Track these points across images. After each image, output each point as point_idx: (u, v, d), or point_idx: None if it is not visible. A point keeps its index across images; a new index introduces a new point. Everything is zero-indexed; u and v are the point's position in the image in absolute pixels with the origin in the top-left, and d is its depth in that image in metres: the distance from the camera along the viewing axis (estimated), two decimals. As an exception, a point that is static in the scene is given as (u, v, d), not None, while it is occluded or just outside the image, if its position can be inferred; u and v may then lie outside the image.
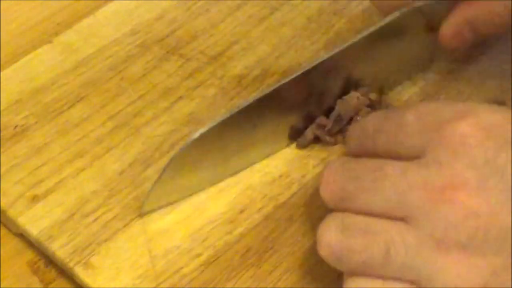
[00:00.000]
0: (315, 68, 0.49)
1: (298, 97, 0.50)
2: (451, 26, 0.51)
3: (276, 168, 0.51)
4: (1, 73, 0.55)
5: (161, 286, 0.46)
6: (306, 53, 0.56)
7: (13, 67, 0.55)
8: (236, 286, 0.46)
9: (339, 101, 0.51)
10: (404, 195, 0.40)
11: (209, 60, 0.56)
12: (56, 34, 0.57)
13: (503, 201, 0.39)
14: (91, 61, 0.56)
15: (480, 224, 0.39)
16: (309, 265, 0.47)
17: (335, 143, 0.51)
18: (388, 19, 0.50)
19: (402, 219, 0.40)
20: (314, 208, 0.49)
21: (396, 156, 0.42)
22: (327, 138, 0.51)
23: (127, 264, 0.46)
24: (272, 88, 0.49)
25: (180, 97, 0.54)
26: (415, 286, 0.40)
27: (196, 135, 0.47)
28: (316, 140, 0.51)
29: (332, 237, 0.41)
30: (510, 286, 0.39)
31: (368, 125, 0.44)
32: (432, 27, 0.51)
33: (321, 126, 0.51)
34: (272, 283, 0.46)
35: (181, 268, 0.46)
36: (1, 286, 0.47)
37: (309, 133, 0.51)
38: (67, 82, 0.55)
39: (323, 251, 0.42)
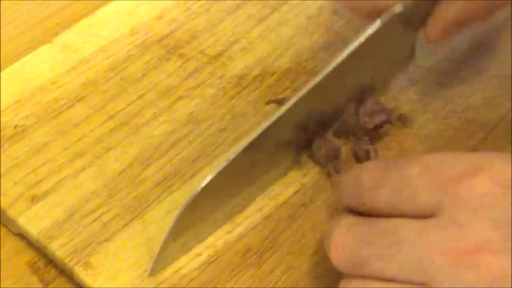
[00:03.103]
0: (315, 88, 0.48)
1: (299, 121, 0.49)
2: (437, 27, 0.50)
3: (276, 168, 0.51)
4: (1, 73, 0.55)
5: (161, 286, 0.46)
6: (306, 53, 0.56)
7: (13, 67, 0.55)
8: (236, 286, 0.46)
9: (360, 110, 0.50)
10: (424, 260, 0.38)
11: (209, 60, 0.56)
12: (56, 34, 0.57)
13: None
14: (91, 61, 0.56)
15: (507, 285, 0.37)
16: (309, 265, 0.47)
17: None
18: (374, 27, 0.49)
19: (423, 283, 0.38)
20: (314, 208, 0.49)
21: (401, 214, 0.40)
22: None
23: (127, 264, 0.46)
24: (272, 120, 0.47)
25: (180, 97, 0.54)
26: None
27: (197, 190, 0.45)
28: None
29: None
30: None
31: (364, 178, 0.41)
32: (412, 24, 0.51)
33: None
34: (272, 283, 0.46)
35: (181, 268, 0.46)
36: (1, 286, 0.47)
37: (321, 148, 0.50)
38: (67, 82, 0.55)
39: None
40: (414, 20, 0.50)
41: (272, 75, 0.55)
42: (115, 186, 0.49)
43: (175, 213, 0.47)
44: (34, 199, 0.49)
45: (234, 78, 0.55)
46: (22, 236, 0.49)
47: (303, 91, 0.47)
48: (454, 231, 0.38)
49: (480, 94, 0.54)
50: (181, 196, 0.49)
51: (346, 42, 0.50)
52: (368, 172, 0.41)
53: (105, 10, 0.59)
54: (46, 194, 0.49)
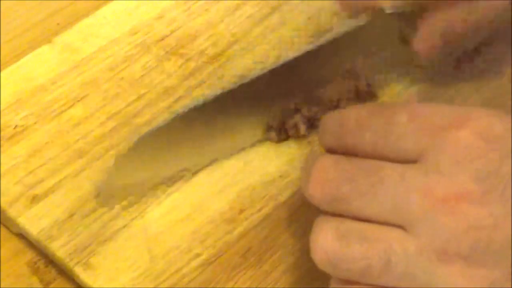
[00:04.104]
0: (296, 60, 0.49)
1: (278, 89, 0.50)
2: (423, 41, 0.50)
3: (276, 168, 0.51)
4: (1, 73, 0.55)
5: (161, 286, 0.46)
6: (306, 53, 0.56)
7: (13, 67, 0.55)
8: (236, 286, 0.46)
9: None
10: (404, 201, 0.39)
11: (209, 60, 0.56)
12: (56, 34, 0.57)
13: (505, 214, 0.38)
14: (91, 61, 0.56)
15: (482, 236, 0.38)
16: (309, 265, 0.46)
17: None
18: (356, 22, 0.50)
19: (400, 226, 0.39)
20: (314, 208, 0.49)
21: (384, 158, 0.40)
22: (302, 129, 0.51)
23: (127, 264, 0.46)
24: (250, 78, 0.48)
25: (180, 97, 0.54)
26: None
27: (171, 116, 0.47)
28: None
29: (328, 243, 0.40)
30: None
31: (349, 119, 0.42)
32: (404, 39, 0.51)
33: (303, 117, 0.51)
34: (272, 283, 0.46)
35: (181, 268, 0.46)
36: (1, 286, 0.47)
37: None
38: (67, 82, 0.55)
39: (318, 257, 0.41)
40: (405, 35, 0.51)
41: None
42: (115, 186, 0.50)
43: (175, 213, 0.47)
44: (34, 199, 0.49)
45: (234, 78, 0.55)
46: (22, 236, 0.49)
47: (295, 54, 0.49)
48: (435, 177, 0.39)
49: (480, 94, 0.54)
50: (181, 196, 0.49)
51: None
52: (353, 113, 0.42)
53: (105, 10, 0.59)
54: (46, 194, 0.49)
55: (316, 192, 0.41)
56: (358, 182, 0.40)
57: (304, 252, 0.47)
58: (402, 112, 0.41)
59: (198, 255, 0.47)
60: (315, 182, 0.41)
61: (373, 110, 0.42)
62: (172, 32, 0.57)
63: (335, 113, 0.43)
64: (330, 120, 0.43)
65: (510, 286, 0.38)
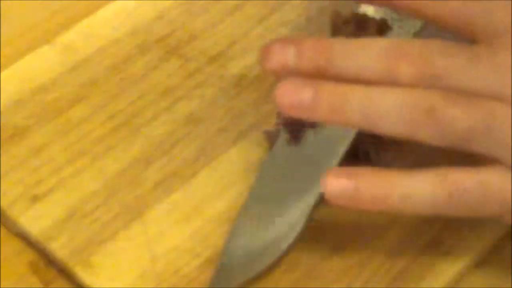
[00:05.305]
0: None
1: None
2: None
3: (276, 168, 0.51)
4: (1, 73, 0.55)
5: (161, 286, 0.46)
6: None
7: (13, 67, 0.55)
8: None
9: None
10: (501, 75, 0.40)
11: (209, 60, 0.56)
12: (56, 34, 0.57)
13: None
14: (91, 61, 0.56)
15: None
16: (309, 265, 0.47)
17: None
18: None
19: (496, 99, 0.40)
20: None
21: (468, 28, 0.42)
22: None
23: (127, 264, 0.46)
24: None
25: (180, 97, 0.54)
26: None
27: None
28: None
29: (433, 99, 0.40)
30: None
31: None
32: None
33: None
34: (272, 283, 0.46)
35: (181, 268, 0.46)
36: (1, 286, 0.47)
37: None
38: (67, 82, 0.55)
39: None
40: None
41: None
42: (115, 186, 0.50)
43: (175, 213, 0.47)
44: (34, 199, 0.49)
45: (234, 78, 0.55)
46: (22, 236, 0.49)
47: None
48: None
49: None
50: (181, 196, 0.49)
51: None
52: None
53: (105, 10, 0.58)
54: (46, 194, 0.49)
55: (409, 70, 0.41)
56: (457, 56, 0.40)
57: (305, 252, 0.47)
58: None
59: (198, 255, 0.47)
60: (400, 54, 0.41)
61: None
62: (172, 32, 0.57)
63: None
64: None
65: None
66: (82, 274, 0.46)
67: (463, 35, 0.42)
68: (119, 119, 0.53)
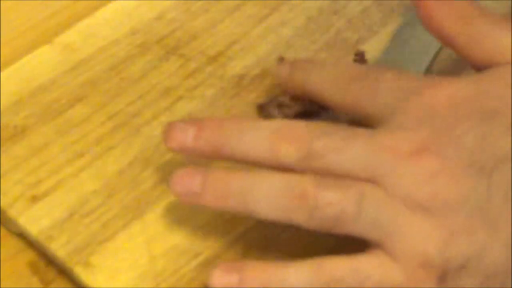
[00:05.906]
0: None
1: None
2: None
3: (276, 168, 0.51)
4: (1, 73, 0.55)
5: (161, 285, 0.46)
6: (306, 53, 0.56)
7: (13, 67, 0.55)
8: (236, 286, 0.46)
9: None
10: (374, 155, 0.41)
11: (209, 60, 0.56)
12: (56, 34, 0.57)
13: (462, 167, 0.40)
14: (91, 61, 0.56)
15: (439, 187, 0.40)
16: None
17: None
18: None
19: (368, 180, 0.41)
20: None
21: (359, 109, 0.44)
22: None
23: (127, 264, 0.46)
24: None
25: (180, 97, 0.54)
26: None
27: None
28: None
29: (306, 186, 0.41)
30: (466, 248, 0.40)
31: (345, 72, 0.45)
32: None
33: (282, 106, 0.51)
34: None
35: (181, 267, 0.46)
36: (1, 286, 0.47)
37: (274, 112, 0.51)
38: (67, 82, 0.55)
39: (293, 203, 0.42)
40: None
41: (272, 75, 0.55)
42: (115, 186, 0.50)
43: (175, 213, 0.47)
44: (34, 199, 0.49)
45: (234, 78, 0.55)
46: (22, 236, 0.49)
47: None
48: (401, 134, 0.42)
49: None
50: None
51: (346, 42, 0.50)
52: (344, 66, 0.47)
53: (105, 10, 0.58)
54: (46, 194, 0.49)
55: (289, 148, 0.42)
56: (333, 136, 0.41)
57: (305, 251, 0.47)
58: (388, 72, 0.44)
59: (198, 255, 0.47)
60: (282, 139, 0.42)
61: (368, 67, 0.46)
62: (172, 32, 0.57)
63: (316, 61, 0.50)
64: (310, 65, 0.48)
65: (468, 236, 0.40)
66: (82, 274, 0.46)
67: (360, 119, 0.44)
68: (119, 119, 0.53)
